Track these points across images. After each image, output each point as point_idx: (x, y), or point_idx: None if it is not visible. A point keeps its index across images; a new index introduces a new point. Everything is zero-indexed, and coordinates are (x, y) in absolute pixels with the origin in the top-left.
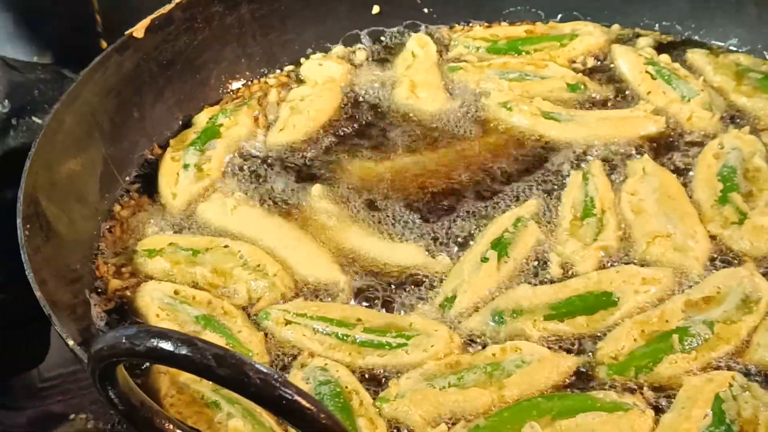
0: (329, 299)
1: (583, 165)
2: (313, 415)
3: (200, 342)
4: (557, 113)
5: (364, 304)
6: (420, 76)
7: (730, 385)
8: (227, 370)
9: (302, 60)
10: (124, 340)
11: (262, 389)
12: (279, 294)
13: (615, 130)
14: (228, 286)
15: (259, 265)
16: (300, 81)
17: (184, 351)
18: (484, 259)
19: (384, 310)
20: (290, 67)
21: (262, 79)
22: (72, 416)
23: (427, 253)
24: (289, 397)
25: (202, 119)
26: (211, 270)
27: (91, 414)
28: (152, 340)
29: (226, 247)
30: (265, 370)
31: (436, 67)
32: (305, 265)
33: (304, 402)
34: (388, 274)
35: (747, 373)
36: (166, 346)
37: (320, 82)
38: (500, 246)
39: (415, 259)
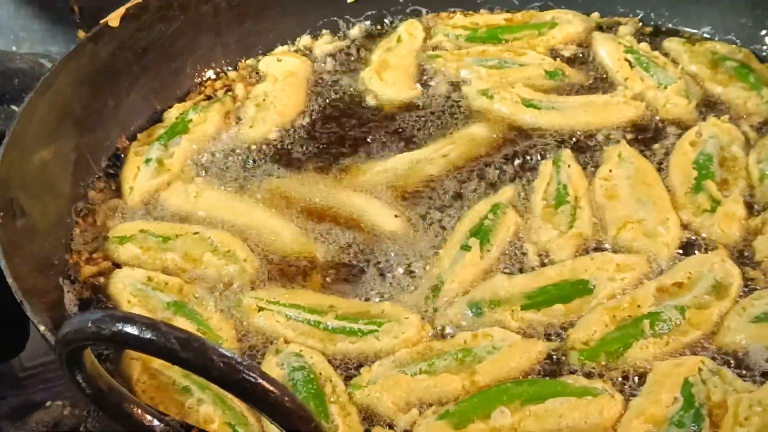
0: (301, 276)
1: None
2: (277, 399)
3: (164, 326)
4: (538, 100)
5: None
6: (394, 60)
7: (700, 370)
8: (191, 354)
9: (269, 53)
10: (89, 324)
11: (225, 373)
12: (249, 278)
13: (595, 117)
14: (198, 270)
15: (229, 251)
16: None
17: (148, 335)
18: (466, 248)
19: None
20: (251, 62)
21: (226, 75)
22: (48, 403)
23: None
24: (253, 381)
25: (172, 114)
26: (181, 256)
27: (68, 401)
28: (117, 324)
29: (196, 233)
30: (228, 354)
31: (413, 55)
32: (277, 239)
33: (267, 386)
34: (367, 253)
35: (717, 358)
36: (131, 330)
37: (280, 78)
38: (481, 234)
39: (385, 223)
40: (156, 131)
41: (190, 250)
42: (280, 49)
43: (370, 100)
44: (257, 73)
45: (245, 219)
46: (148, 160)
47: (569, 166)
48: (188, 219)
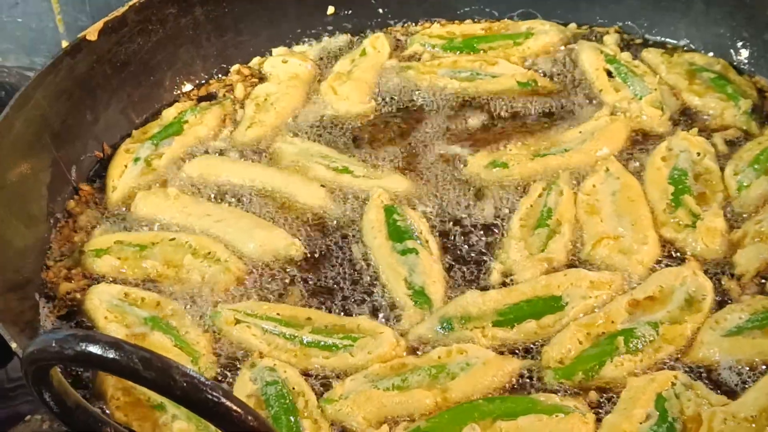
0: (284, 273)
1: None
2: (241, 418)
3: (128, 345)
4: (545, 150)
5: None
6: (357, 73)
7: (673, 384)
8: (153, 373)
9: (256, 59)
10: (53, 344)
11: (188, 392)
12: (234, 277)
13: (600, 143)
14: (181, 275)
15: (209, 253)
16: (262, 78)
17: (111, 354)
18: (411, 251)
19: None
20: (255, 60)
21: (226, 77)
22: (28, 417)
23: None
24: (216, 400)
25: (170, 113)
26: (162, 262)
27: (47, 415)
28: (80, 344)
29: (172, 239)
30: (191, 374)
31: (375, 69)
32: (253, 240)
33: (230, 405)
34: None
35: (691, 372)
36: (94, 349)
37: (284, 80)
38: (406, 235)
39: (317, 200)
40: (151, 129)
41: (170, 256)
42: (276, 52)
43: (329, 111)
44: (259, 73)
45: (223, 225)
46: (136, 159)
47: (562, 192)
48: (165, 225)
